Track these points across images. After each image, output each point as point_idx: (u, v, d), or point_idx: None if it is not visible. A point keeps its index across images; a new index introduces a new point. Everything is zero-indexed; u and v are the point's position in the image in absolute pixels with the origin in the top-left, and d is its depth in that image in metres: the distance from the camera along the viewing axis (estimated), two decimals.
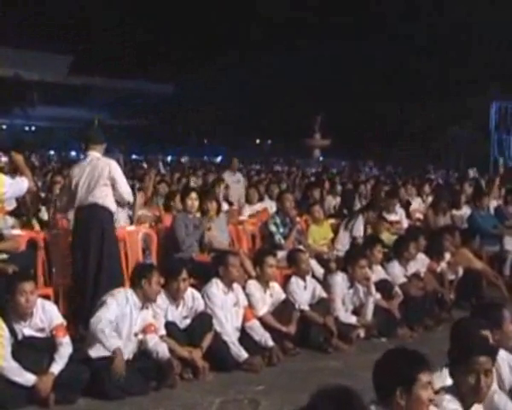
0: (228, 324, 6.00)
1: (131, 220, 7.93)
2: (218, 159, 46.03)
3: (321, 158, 36.70)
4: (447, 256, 8.42)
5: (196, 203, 7.40)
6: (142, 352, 5.42)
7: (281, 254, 7.44)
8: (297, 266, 6.96)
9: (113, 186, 6.38)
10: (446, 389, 3.28)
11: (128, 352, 5.36)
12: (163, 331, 5.58)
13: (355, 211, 9.57)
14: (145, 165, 20.96)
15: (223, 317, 5.97)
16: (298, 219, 8.46)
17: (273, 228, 7.99)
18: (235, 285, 6.24)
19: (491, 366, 3.26)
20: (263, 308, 6.38)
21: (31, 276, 5.59)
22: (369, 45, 44.30)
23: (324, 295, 6.86)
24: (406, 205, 10.88)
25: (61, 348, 4.99)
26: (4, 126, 50.84)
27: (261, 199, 10.61)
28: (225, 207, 9.41)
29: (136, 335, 5.41)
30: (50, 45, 46.52)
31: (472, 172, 21.41)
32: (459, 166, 34.15)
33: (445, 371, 3.52)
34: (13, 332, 4.89)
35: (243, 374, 5.69)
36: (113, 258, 6.41)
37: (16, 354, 4.79)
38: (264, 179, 15.99)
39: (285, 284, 6.87)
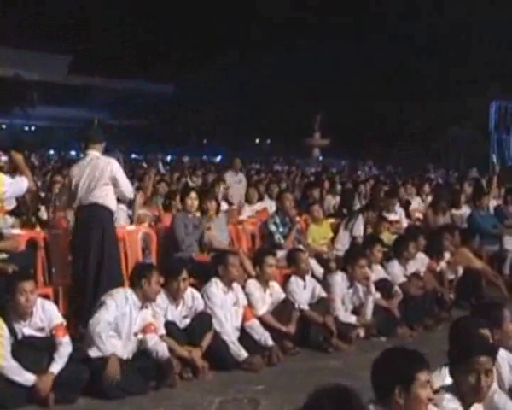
0: (227, 323, 6.00)
1: (131, 220, 7.93)
2: (218, 158, 46.06)
3: (320, 157, 36.69)
4: (447, 256, 8.42)
5: (196, 203, 7.40)
6: (142, 351, 5.42)
7: (280, 253, 7.44)
8: (296, 265, 6.96)
9: (115, 185, 6.39)
10: (446, 389, 3.28)
11: (128, 351, 5.36)
12: (163, 331, 5.58)
13: (355, 211, 9.57)
14: (145, 164, 20.97)
15: (222, 316, 5.97)
16: (297, 218, 8.46)
17: (273, 227, 7.99)
18: (235, 285, 6.24)
19: (491, 365, 3.26)
20: (262, 308, 6.38)
21: (31, 275, 5.57)
22: (369, 45, 44.30)
23: (324, 294, 6.86)
24: (406, 205, 10.88)
25: (60, 348, 4.99)
26: (4, 126, 50.83)
27: (261, 199, 10.61)
28: (225, 206, 9.41)
29: (135, 334, 5.40)
30: (50, 45, 46.52)
31: (474, 172, 21.38)
32: (459, 166, 34.15)
33: (445, 371, 3.52)
34: (13, 332, 4.89)
35: (243, 373, 5.69)
36: (113, 258, 6.40)
37: (16, 354, 4.79)
38: (263, 179, 15.98)
39: (285, 284, 6.87)
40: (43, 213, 8.19)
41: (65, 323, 5.22)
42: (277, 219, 8.06)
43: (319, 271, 7.73)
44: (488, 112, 30.34)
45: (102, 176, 6.30)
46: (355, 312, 6.94)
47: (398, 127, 45.05)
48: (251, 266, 6.84)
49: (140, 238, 7.37)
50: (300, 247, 7.74)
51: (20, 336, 4.93)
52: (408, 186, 12.37)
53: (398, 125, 44.96)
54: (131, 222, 7.81)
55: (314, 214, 8.71)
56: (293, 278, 6.87)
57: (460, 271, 8.48)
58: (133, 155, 39.08)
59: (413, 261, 7.83)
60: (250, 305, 6.30)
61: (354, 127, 45.05)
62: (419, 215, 10.87)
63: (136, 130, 54.40)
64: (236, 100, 49.61)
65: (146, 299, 5.46)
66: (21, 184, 5.73)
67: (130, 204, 8.23)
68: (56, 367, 4.90)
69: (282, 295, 6.60)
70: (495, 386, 3.49)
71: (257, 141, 55.66)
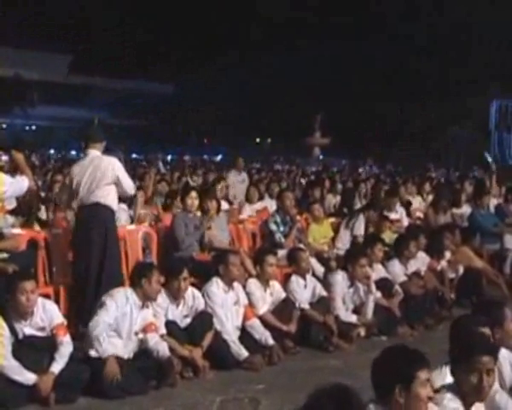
0: (228, 322, 5.99)
1: (132, 219, 7.92)
2: (218, 158, 46.08)
3: (321, 157, 36.69)
4: (447, 255, 8.42)
5: (196, 202, 7.40)
6: (143, 351, 5.42)
7: (281, 252, 7.44)
8: (297, 264, 6.96)
9: (117, 184, 6.39)
10: (447, 388, 3.27)
11: (128, 351, 5.36)
12: (163, 330, 5.57)
13: (356, 210, 9.57)
14: (145, 164, 20.98)
15: (223, 316, 5.96)
16: (298, 217, 8.46)
17: (273, 227, 7.99)
18: (236, 284, 6.23)
19: (493, 365, 3.25)
20: (263, 307, 6.38)
21: (31, 275, 5.57)
22: (369, 45, 44.32)
23: (324, 293, 6.85)
24: (407, 205, 10.87)
25: (61, 348, 4.98)
26: (4, 126, 50.83)
27: (261, 198, 10.61)
28: (225, 206, 9.40)
29: (136, 334, 5.40)
30: (50, 45, 46.52)
31: (478, 171, 21.37)
32: (459, 166, 34.15)
33: (445, 370, 3.52)
34: (13, 331, 4.88)
35: (243, 373, 5.68)
36: (114, 257, 6.40)
37: (17, 353, 4.78)
38: (264, 178, 15.98)
39: (285, 283, 6.87)
40: (43, 213, 8.19)
41: (65, 322, 5.22)
42: (278, 219, 8.07)
43: (320, 270, 7.73)
44: (488, 112, 30.36)
45: (105, 176, 6.29)
46: (356, 311, 6.93)
47: (398, 127, 45.06)
48: (251, 266, 6.84)
49: (140, 238, 7.37)
50: (301, 246, 7.74)
51: (20, 336, 4.93)
52: (408, 185, 12.37)
53: (398, 125, 44.97)
54: (132, 222, 7.80)
55: (315, 213, 8.72)
56: (294, 278, 6.87)
57: (461, 270, 8.48)
58: (134, 155, 39.08)
59: (414, 260, 7.83)
60: (251, 304, 6.29)
61: (354, 127, 45.06)
62: (420, 214, 10.87)
63: (136, 130, 54.42)
64: (236, 100, 49.62)
65: (146, 298, 5.45)
66: (22, 183, 5.73)
67: (131, 204, 8.23)
68: (57, 367, 4.89)
69: (283, 295, 6.59)
70: (496, 385, 3.49)
71: (257, 140, 55.64)
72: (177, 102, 54.18)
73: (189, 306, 5.87)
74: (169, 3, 50.94)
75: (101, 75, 51.70)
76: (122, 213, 7.56)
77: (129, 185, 6.54)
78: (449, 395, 3.20)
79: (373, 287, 6.92)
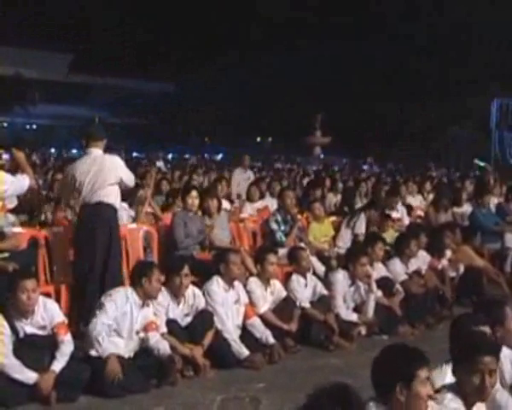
0: (229, 321, 5.99)
1: (133, 219, 7.90)
2: (219, 157, 46.09)
3: (322, 156, 36.68)
4: (448, 254, 8.42)
5: (197, 201, 7.40)
6: (143, 350, 5.42)
7: (282, 251, 7.44)
8: (298, 263, 6.96)
9: (120, 183, 6.41)
10: (448, 388, 3.26)
11: (129, 350, 5.36)
12: (164, 329, 5.57)
13: (357, 209, 9.57)
14: (146, 163, 20.99)
15: (224, 314, 5.96)
16: (299, 216, 8.46)
17: (274, 226, 7.99)
18: (236, 283, 6.23)
19: (495, 365, 3.24)
20: (264, 306, 6.38)
21: (32, 274, 5.59)
22: (369, 45, 44.28)
23: (325, 292, 6.85)
24: (407, 208, 10.86)
25: (62, 346, 4.99)
26: (5, 125, 50.83)
27: (262, 197, 10.60)
28: (226, 205, 9.38)
29: (137, 333, 5.40)
30: (51, 44, 46.49)
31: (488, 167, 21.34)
32: (459, 166, 34.14)
33: (446, 368, 3.53)
34: (14, 330, 4.89)
35: (244, 372, 5.68)
36: (117, 257, 6.40)
37: (17, 352, 4.79)
38: (265, 177, 15.98)
39: (286, 282, 6.87)
40: (42, 214, 8.18)
41: (66, 321, 5.23)
42: (279, 217, 8.07)
43: (320, 269, 7.74)
44: (488, 111, 30.31)
45: (108, 177, 6.27)
46: (356, 310, 6.93)
47: (398, 127, 45.04)
48: (252, 264, 6.84)
49: (141, 237, 7.36)
50: (302, 245, 7.74)
51: (21, 335, 4.93)
52: (409, 184, 12.37)
53: (398, 125, 44.94)
54: (133, 221, 7.78)
55: (315, 212, 8.72)
56: (295, 276, 6.87)
57: (461, 269, 8.47)
58: (134, 154, 39.12)
59: (414, 259, 7.82)
60: (251, 303, 6.29)
61: (354, 127, 45.02)
62: (420, 213, 10.88)
63: (136, 129, 54.43)
64: (236, 100, 49.60)
65: (147, 297, 5.45)
66: (23, 182, 5.73)
67: (132, 203, 8.22)
68: (58, 366, 4.90)
69: (284, 293, 6.59)
70: (497, 384, 3.48)
71: (258, 140, 55.64)
72: (178, 102, 54.16)
73: (190, 304, 5.87)
74: (169, 3, 50.94)
75: (101, 74, 51.65)
76: (123, 212, 7.55)
77: (130, 180, 6.56)
78: (450, 395, 3.20)
79: (374, 286, 6.92)
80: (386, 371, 2.98)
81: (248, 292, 6.33)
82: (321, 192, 10.96)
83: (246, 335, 6.07)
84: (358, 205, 10.28)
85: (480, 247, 9.42)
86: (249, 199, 10.35)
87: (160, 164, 21.72)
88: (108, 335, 5.20)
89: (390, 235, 8.58)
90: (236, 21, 50.54)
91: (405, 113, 44.39)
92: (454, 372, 3.31)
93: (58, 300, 6.05)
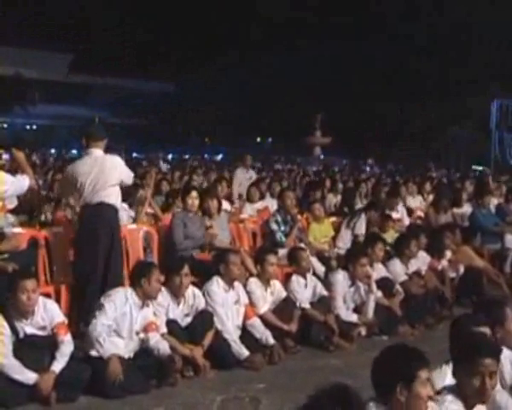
0: (229, 322, 6.00)
1: (133, 220, 7.90)
2: (219, 157, 46.09)
3: (322, 156, 36.68)
4: (448, 254, 8.42)
5: (196, 202, 7.39)
6: (143, 350, 5.42)
7: (282, 252, 7.44)
8: (298, 264, 6.96)
9: (120, 184, 6.43)
10: (448, 389, 3.26)
11: (129, 350, 5.36)
12: (164, 329, 5.57)
13: (357, 209, 9.57)
14: (146, 163, 20.98)
15: (224, 315, 5.96)
16: (299, 217, 8.46)
17: (274, 226, 7.99)
18: (236, 283, 6.24)
19: (496, 367, 3.24)
20: (264, 306, 6.38)
21: (32, 274, 5.58)
22: (369, 45, 44.27)
23: (325, 293, 6.86)
24: (407, 210, 10.86)
25: (62, 347, 4.99)
26: (5, 125, 50.80)
27: (262, 197, 10.60)
28: (226, 206, 9.37)
29: (137, 334, 5.40)
30: (51, 44, 46.46)
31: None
32: (459, 167, 34.14)
33: (445, 369, 3.53)
34: (14, 330, 4.89)
35: (244, 372, 5.69)
36: (119, 257, 6.40)
37: (17, 352, 4.79)
38: (265, 178, 15.98)
39: (286, 282, 6.88)
40: (42, 214, 8.18)
41: (66, 321, 5.23)
42: (279, 218, 8.07)
43: (320, 269, 7.74)
44: (488, 112, 30.31)
45: (110, 178, 6.26)
46: (356, 310, 6.94)
47: (398, 127, 45.02)
48: (252, 265, 6.85)
49: (141, 237, 7.36)
50: (302, 245, 7.74)
51: (21, 335, 4.93)
52: (409, 185, 12.37)
53: (398, 125, 44.93)
54: (134, 221, 7.78)
55: (315, 213, 8.72)
56: (295, 277, 6.87)
57: (461, 269, 8.47)
58: (134, 154, 39.11)
59: (414, 260, 7.83)
60: (251, 303, 6.30)
61: (354, 127, 45.00)
62: (420, 214, 10.88)
63: (136, 129, 54.38)
64: (236, 100, 49.58)
65: (146, 298, 5.45)
66: (23, 182, 5.73)
67: (132, 203, 8.22)
68: (58, 366, 4.90)
69: (284, 294, 6.59)
70: (497, 385, 3.48)
71: (258, 140, 55.62)
72: (178, 102, 54.14)
73: (190, 305, 5.87)
74: (169, 3, 50.92)
75: (101, 74, 51.63)
76: (123, 213, 7.54)
77: (129, 178, 6.57)
78: (450, 397, 3.20)
79: (374, 286, 6.92)
80: (387, 371, 2.98)
81: (248, 293, 6.33)
82: (321, 193, 10.95)
83: (246, 335, 6.07)
84: (358, 206, 10.28)
85: (479, 247, 9.43)
86: (249, 200, 10.35)
87: (164, 166, 21.70)
88: (108, 335, 5.20)
89: (390, 235, 8.59)
90: (236, 21, 50.52)
91: (405, 113, 44.39)
92: (454, 374, 3.31)
93: (58, 300, 6.05)
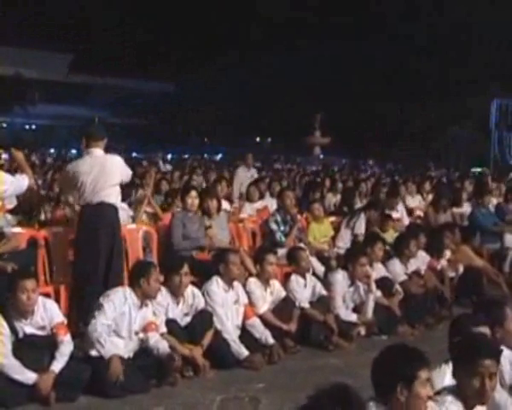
0: (228, 322, 6.00)
1: (133, 220, 7.90)
2: (219, 157, 46.10)
3: (321, 156, 36.69)
4: (447, 254, 8.42)
5: (196, 201, 7.39)
6: (143, 350, 5.42)
7: (281, 251, 7.44)
8: (297, 263, 6.96)
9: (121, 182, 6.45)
10: (448, 390, 3.26)
11: (129, 350, 5.36)
12: (164, 329, 5.57)
13: (357, 209, 9.57)
14: (146, 163, 20.95)
15: (223, 315, 5.96)
16: (298, 216, 8.46)
17: (274, 226, 7.99)
18: (236, 283, 6.23)
19: (496, 369, 3.23)
20: (263, 306, 6.38)
21: (32, 274, 5.58)
22: (369, 45, 44.30)
23: (324, 292, 6.85)
24: (407, 211, 10.85)
25: (61, 347, 4.99)
26: (5, 125, 50.80)
27: (262, 197, 10.59)
28: (226, 206, 9.36)
29: (136, 334, 5.39)
30: (51, 44, 46.48)
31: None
32: (459, 167, 34.17)
33: (444, 368, 3.53)
34: (14, 330, 4.89)
35: (244, 372, 5.68)
36: (120, 257, 6.40)
37: (17, 352, 4.79)
38: (264, 177, 15.97)
39: (285, 282, 6.87)
40: (41, 213, 8.18)
41: (66, 321, 5.23)
42: (278, 218, 8.07)
43: (320, 269, 7.73)
44: (488, 112, 30.35)
45: (110, 178, 6.26)
46: (356, 310, 6.93)
47: (398, 127, 45.05)
48: (252, 265, 6.84)
49: (141, 237, 7.36)
50: (301, 245, 7.74)
51: (21, 335, 4.93)
52: (409, 184, 12.38)
53: (398, 125, 44.95)
54: (133, 221, 7.78)
55: (315, 212, 8.72)
56: (294, 277, 6.87)
57: (461, 269, 8.47)
58: (134, 154, 39.13)
59: (414, 259, 7.83)
60: (251, 303, 6.29)
61: (354, 127, 45.04)
62: (420, 213, 10.87)
63: (136, 129, 54.41)
64: (236, 100, 49.60)
65: (145, 297, 5.44)
66: (22, 182, 5.72)
67: (131, 203, 8.22)
68: (57, 366, 4.90)
69: (283, 294, 6.59)
70: (497, 385, 3.49)
71: (257, 140, 55.62)
72: (178, 102, 54.16)
73: (189, 304, 5.87)
74: (169, 3, 50.94)
75: (101, 74, 51.64)
76: (123, 213, 7.54)
77: (128, 176, 6.58)
78: (450, 398, 3.19)
79: (373, 286, 6.91)
80: (387, 371, 2.97)
81: (248, 292, 6.33)
82: (320, 192, 10.95)
83: (245, 335, 6.06)
84: (358, 205, 10.27)
85: (479, 247, 9.44)
86: (249, 199, 10.33)
87: (166, 166, 21.69)
88: (108, 335, 5.20)
89: (390, 235, 8.59)
90: (236, 21, 50.54)
91: (405, 113, 44.42)
92: (454, 375, 3.30)
93: (57, 300, 6.04)
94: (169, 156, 38.78)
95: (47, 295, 5.73)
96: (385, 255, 7.62)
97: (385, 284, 7.24)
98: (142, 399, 5.06)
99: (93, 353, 5.13)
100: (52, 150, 40.62)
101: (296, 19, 48.47)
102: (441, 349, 3.84)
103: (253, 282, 6.46)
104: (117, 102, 54.43)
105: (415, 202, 11.56)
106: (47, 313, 5.07)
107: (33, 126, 54.22)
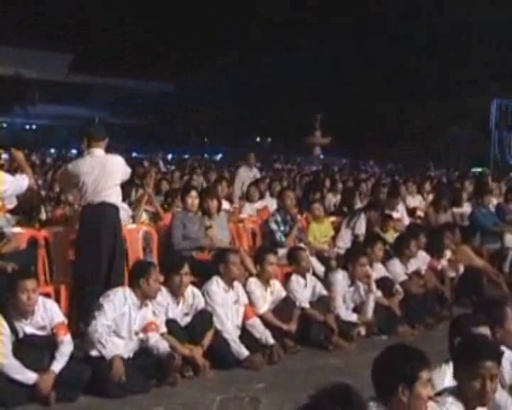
0: (228, 322, 5.99)
1: (133, 220, 7.90)
2: (219, 157, 46.11)
3: (321, 156, 36.70)
4: (448, 254, 8.42)
5: (196, 201, 7.39)
6: (143, 350, 5.41)
7: (281, 251, 7.44)
8: (297, 263, 6.96)
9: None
10: (449, 391, 3.25)
11: (128, 351, 5.36)
12: (164, 329, 5.56)
13: (357, 209, 9.56)
14: (146, 164, 20.96)
15: (223, 315, 5.96)
16: (298, 216, 8.45)
17: (274, 226, 7.99)
18: (236, 283, 6.23)
19: (497, 370, 3.23)
20: (263, 306, 6.38)
21: (32, 274, 5.57)
22: (369, 45, 44.32)
23: (325, 292, 6.85)
24: (408, 211, 10.84)
25: (61, 347, 4.98)
26: (5, 125, 50.81)
27: (262, 197, 10.58)
28: (226, 206, 9.37)
29: (136, 334, 5.39)
30: (51, 44, 46.50)
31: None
32: (459, 167, 34.19)
33: (445, 368, 3.53)
34: (14, 330, 4.88)
35: (244, 372, 5.68)
36: (122, 257, 6.40)
37: (17, 352, 4.78)
38: (264, 177, 15.97)
39: (285, 282, 6.87)
40: (42, 213, 8.18)
41: (66, 321, 5.22)
42: (278, 218, 8.06)
43: (320, 269, 7.73)
44: (488, 112, 30.38)
45: (112, 178, 6.26)
46: (356, 310, 6.93)
47: (398, 127, 45.07)
48: (252, 265, 6.84)
49: (141, 237, 7.35)
50: (301, 245, 7.73)
51: (21, 335, 4.92)
52: (409, 184, 12.38)
53: (398, 125, 44.98)
54: (134, 221, 7.78)
55: (315, 212, 8.72)
56: (294, 277, 6.87)
57: (461, 269, 8.47)
58: (134, 154, 39.14)
59: (414, 260, 7.82)
60: (251, 303, 6.29)
61: (354, 127, 45.07)
62: (420, 213, 10.87)
63: (136, 129, 54.43)
64: (236, 100, 49.62)
65: (145, 297, 5.44)
66: (22, 181, 5.72)
67: (131, 203, 8.22)
68: (57, 366, 4.89)
69: (283, 294, 6.59)
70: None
71: (257, 140, 55.63)
72: (178, 102, 54.17)
73: (189, 304, 5.87)
74: (169, 3, 50.94)
75: (101, 74, 51.65)
76: (123, 213, 7.54)
77: (127, 175, 6.58)
78: (450, 399, 3.19)
79: (373, 286, 6.91)
80: (388, 372, 2.97)
81: (248, 292, 6.33)
82: (320, 193, 10.94)
83: (245, 335, 6.06)
84: (358, 205, 10.27)
85: (479, 247, 9.44)
86: (249, 199, 10.33)
87: (159, 164, 21.70)
88: (108, 336, 5.20)
89: (391, 235, 8.59)
90: (236, 21, 50.55)
91: (405, 113, 44.44)
92: (455, 376, 3.30)
93: (57, 300, 6.04)
94: (169, 156, 38.82)
95: (47, 295, 5.73)
96: (385, 255, 7.62)
97: (385, 284, 7.24)
98: (142, 399, 5.06)
99: (93, 353, 5.13)
100: (52, 150, 40.62)
101: (296, 19, 48.48)
102: (441, 349, 3.85)
103: (253, 282, 6.46)
104: (117, 102, 54.44)
105: (415, 202, 11.56)
106: (47, 313, 5.06)
107: (33, 126, 54.25)
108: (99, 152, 6.34)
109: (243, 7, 49.60)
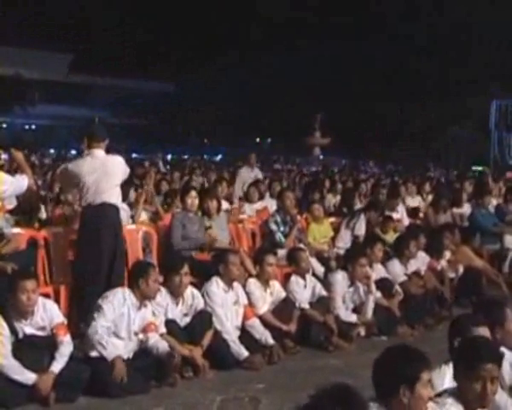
0: (228, 322, 6.00)
1: (133, 220, 7.90)
2: (218, 157, 46.10)
3: (321, 156, 36.69)
4: (447, 254, 8.43)
5: (196, 202, 7.39)
6: (142, 350, 5.41)
7: (281, 252, 7.44)
8: (297, 264, 6.96)
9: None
10: (449, 393, 3.25)
11: (128, 351, 5.36)
12: (163, 329, 5.57)
13: (357, 210, 9.56)
14: (146, 164, 20.97)
15: (223, 315, 5.96)
16: (298, 217, 8.45)
17: (274, 226, 7.99)
18: (236, 284, 6.23)
19: (497, 373, 3.22)
20: (263, 307, 6.38)
21: (32, 274, 5.56)
22: (369, 45, 44.31)
23: (324, 293, 6.86)
24: (409, 211, 10.83)
25: (61, 347, 4.99)
26: (5, 125, 50.80)
27: (261, 197, 10.58)
28: (226, 206, 9.36)
29: (136, 334, 5.39)
30: (51, 44, 46.48)
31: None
32: (459, 167, 34.19)
33: (444, 369, 3.52)
34: (13, 330, 4.88)
35: (244, 372, 5.69)
36: (122, 257, 6.39)
37: (17, 353, 4.79)
38: (264, 178, 15.97)
39: (285, 283, 6.87)
40: (43, 213, 8.18)
41: (66, 322, 5.22)
42: (278, 218, 8.06)
43: (320, 270, 7.73)
44: (488, 112, 30.39)
45: (112, 179, 6.27)
46: (356, 311, 6.94)
47: (398, 127, 45.06)
48: (251, 265, 6.84)
49: (140, 237, 7.35)
50: (301, 246, 7.73)
51: (20, 335, 4.93)
52: (409, 185, 12.38)
53: (398, 125, 44.96)
54: (134, 222, 7.78)
55: (315, 213, 8.71)
56: (294, 277, 6.87)
57: (460, 269, 8.48)
58: (134, 154, 39.12)
59: (414, 260, 7.83)
60: (251, 304, 6.30)
61: (354, 127, 45.04)
62: (420, 214, 10.87)
63: (136, 129, 54.42)
64: (236, 100, 49.61)
65: (144, 298, 5.44)
66: (22, 182, 5.72)
67: (131, 204, 8.21)
68: (57, 366, 4.90)
69: (283, 294, 6.59)
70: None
71: (257, 140, 55.62)
72: (178, 102, 54.14)
73: (189, 304, 5.87)
74: (169, 3, 50.92)
75: (101, 74, 51.64)
76: (123, 213, 7.54)
77: (126, 173, 6.59)
78: (450, 401, 3.18)
79: (373, 287, 6.92)
80: (389, 372, 2.96)
81: (248, 293, 6.33)
82: (320, 193, 10.94)
83: (245, 336, 6.07)
84: (358, 206, 10.27)
85: (479, 248, 9.44)
86: (248, 200, 10.32)
87: (159, 165, 21.73)
88: (108, 337, 5.20)
89: (390, 236, 8.59)
90: (236, 21, 50.53)
91: (405, 113, 44.43)
92: (455, 377, 3.30)
93: (57, 300, 6.04)
94: (169, 157, 38.80)
95: (47, 296, 5.73)
96: (385, 256, 7.63)
97: (385, 284, 7.24)
98: (142, 399, 5.06)
99: (93, 354, 5.13)
100: (52, 151, 40.60)
101: (296, 19, 48.46)
102: (441, 350, 3.84)
103: (253, 282, 6.46)
104: (117, 102, 54.43)
105: (414, 202, 11.56)
106: (47, 313, 5.06)
107: (33, 127, 54.24)
108: (99, 153, 6.34)
109: (243, 7, 49.58)
